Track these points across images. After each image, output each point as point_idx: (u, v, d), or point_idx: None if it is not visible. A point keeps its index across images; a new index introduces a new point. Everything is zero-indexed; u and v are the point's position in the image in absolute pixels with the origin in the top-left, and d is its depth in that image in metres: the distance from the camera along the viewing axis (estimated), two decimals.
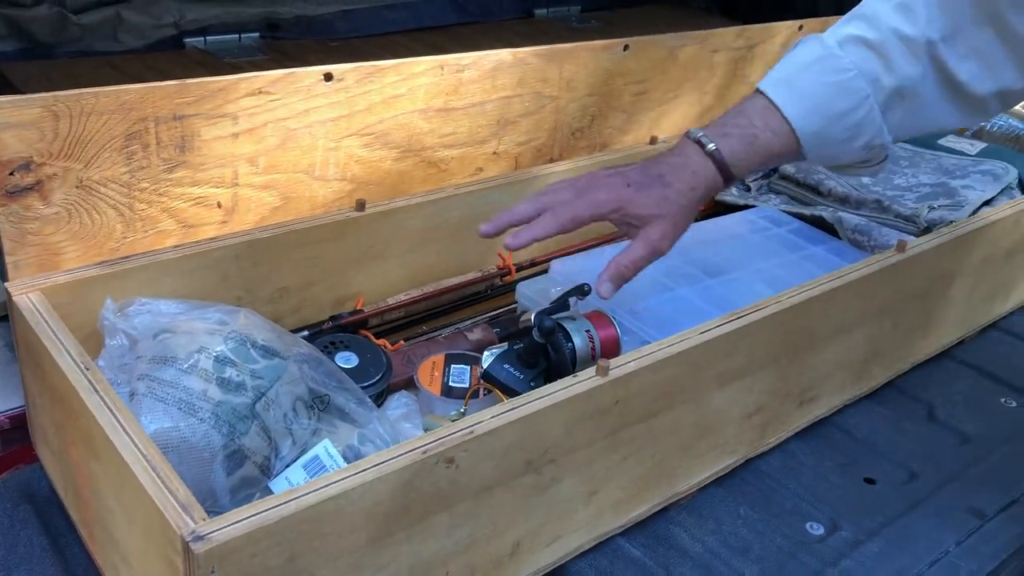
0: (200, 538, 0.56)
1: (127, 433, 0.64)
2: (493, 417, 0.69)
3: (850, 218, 1.21)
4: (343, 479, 0.62)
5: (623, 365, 0.77)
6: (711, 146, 0.86)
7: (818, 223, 1.24)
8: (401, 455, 0.64)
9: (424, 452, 0.65)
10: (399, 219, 1.03)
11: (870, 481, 0.98)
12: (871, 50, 0.86)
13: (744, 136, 0.87)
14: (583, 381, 0.74)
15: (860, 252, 1.19)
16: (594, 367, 0.75)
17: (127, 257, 0.87)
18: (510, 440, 0.70)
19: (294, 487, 0.61)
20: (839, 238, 1.22)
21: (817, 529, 0.91)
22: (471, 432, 0.67)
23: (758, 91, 0.88)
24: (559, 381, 0.74)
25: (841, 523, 0.91)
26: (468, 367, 0.98)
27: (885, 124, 0.87)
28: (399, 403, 0.95)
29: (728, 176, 0.87)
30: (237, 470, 0.74)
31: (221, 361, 0.76)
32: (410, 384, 0.98)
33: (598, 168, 0.92)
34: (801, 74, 0.88)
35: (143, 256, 0.88)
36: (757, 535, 0.89)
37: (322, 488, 0.61)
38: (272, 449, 0.76)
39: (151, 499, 0.59)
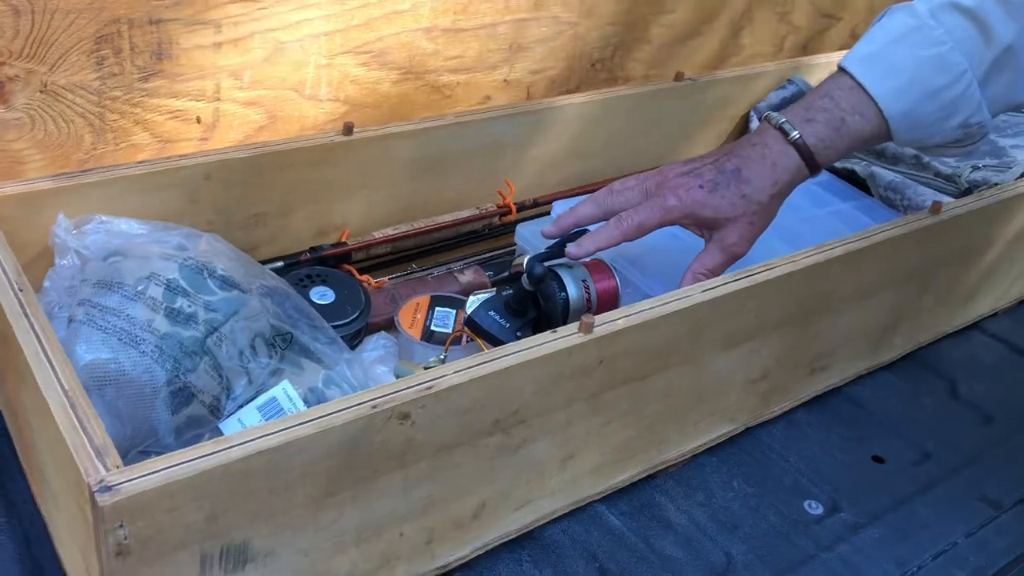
0: (108, 488, 0.50)
1: (51, 364, 0.59)
2: (456, 372, 0.62)
3: (884, 174, 1.11)
4: (279, 431, 0.55)
5: (610, 322, 0.69)
6: (795, 134, 0.79)
7: (849, 177, 1.15)
8: (347, 408, 0.58)
9: (374, 407, 0.58)
10: (392, 146, 0.96)
11: (879, 460, 0.91)
12: (968, 17, 0.77)
13: (830, 121, 0.79)
14: (563, 337, 0.67)
15: (891, 211, 1.10)
16: (576, 323, 0.68)
17: (86, 171, 0.80)
18: (474, 397, 0.63)
19: (234, 434, 0.55)
20: (870, 194, 1.13)
21: (815, 508, 0.84)
22: (429, 387, 0.61)
23: (842, 69, 0.80)
24: (536, 336, 0.67)
25: (842, 503, 0.85)
26: (453, 311, 0.91)
27: (984, 99, 0.78)
28: (376, 344, 0.88)
29: (814, 166, 0.79)
30: (183, 408, 0.68)
31: (172, 290, 0.70)
32: (391, 325, 0.91)
33: (615, 99, 0.84)
34: (890, 49, 0.79)
35: (105, 170, 0.81)
36: (749, 511, 0.82)
37: (253, 440, 0.55)
38: (223, 388, 0.70)
39: (64, 441, 0.54)
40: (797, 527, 0.81)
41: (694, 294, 0.74)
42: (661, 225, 0.80)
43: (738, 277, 0.77)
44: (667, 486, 0.84)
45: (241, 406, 0.72)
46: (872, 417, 0.96)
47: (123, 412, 0.66)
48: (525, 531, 0.76)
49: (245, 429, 0.55)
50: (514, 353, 0.65)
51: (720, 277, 0.77)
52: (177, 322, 0.69)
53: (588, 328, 0.68)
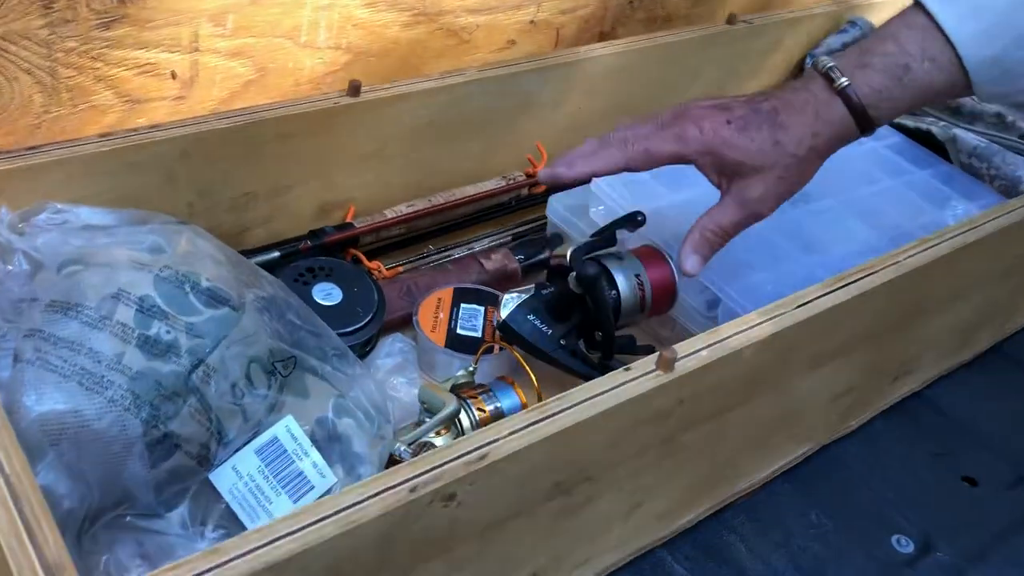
0: None
1: None
2: (513, 435, 0.49)
3: (968, 138, 0.97)
4: (291, 535, 0.42)
5: (693, 355, 0.56)
6: (842, 81, 0.63)
7: (925, 140, 1.00)
8: (379, 495, 0.45)
9: (412, 490, 0.45)
10: (404, 108, 0.80)
11: (970, 481, 0.79)
12: None
13: (891, 67, 0.63)
14: (639, 379, 0.53)
15: (976, 182, 0.96)
16: (655, 360, 0.54)
17: (36, 148, 0.65)
18: (535, 463, 0.50)
19: (231, 542, 0.42)
20: (950, 161, 0.99)
21: (906, 546, 0.72)
22: (482, 458, 0.47)
23: (917, 4, 0.64)
24: (607, 378, 0.53)
25: (935, 539, 0.73)
26: (482, 309, 0.78)
27: None
28: (391, 350, 0.75)
29: (866, 122, 0.64)
30: (163, 462, 0.55)
31: (146, 311, 0.55)
32: (407, 323, 0.77)
33: (658, 47, 0.69)
34: None
35: (59, 147, 0.66)
36: (833, 552, 0.71)
37: (258, 549, 0.41)
38: (213, 433, 0.56)
39: (2, 551, 0.40)
40: (889, 573, 0.70)
41: (788, 311, 0.60)
42: (674, 158, 0.66)
43: (833, 287, 0.64)
44: (737, 522, 0.71)
45: (237, 450, 0.58)
46: (957, 426, 0.84)
47: (87, 473, 0.52)
48: None
49: (245, 535, 0.42)
50: (582, 403, 0.51)
51: (815, 289, 0.63)
52: (153, 355, 0.54)
53: (669, 365, 0.54)
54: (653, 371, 0.54)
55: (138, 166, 0.68)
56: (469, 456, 0.47)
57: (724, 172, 0.66)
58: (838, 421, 0.77)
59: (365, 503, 0.44)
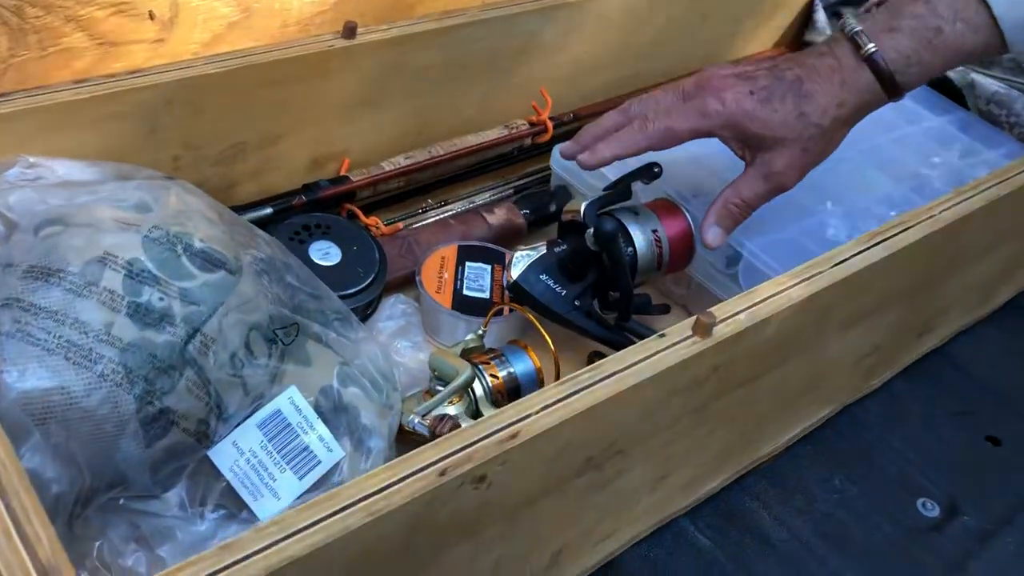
0: None
1: None
2: (546, 410, 0.45)
3: (987, 84, 0.93)
4: (314, 525, 0.38)
5: (731, 318, 0.52)
6: (869, 47, 0.61)
7: (942, 85, 0.96)
8: (407, 478, 0.40)
9: (442, 473, 0.41)
10: (402, 51, 0.75)
11: (993, 441, 0.77)
12: None
13: (920, 31, 0.61)
14: (675, 346, 0.50)
15: (994, 129, 0.92)
16: (691, 325, 0.51)
17: (3, 96, 0.59)
18: (568, 439, 0.46)
19: (246, 535, 0.38)
20: (967, 107, 0.95)
21: (932, 510, 0.70)
22: (513, 436, 0.43)
23: None
24: (641, 345, 0.49)
25: (961, 502, 0.70)
26: (488, 267, 0.73)
27: None
28: (394, 311, 0.70)
29: (894, 88, 0.62)
30: (159, 440, 0.50)
31: (136, 276, 0.50)
32: (408, 283, 0.73)
33: None
34: None
35: (28, 95, 0.60)
36: (858, 518, 0.68)
37: (278, 544, 0.37)
38: (212, 408, 0.52)
39: None
40: (915, 538, 0.67)
41: (825, 271, 0.57)
42: (696, 134, 0.64)
43: (871, 243, 0.60)
44: (759, 488, 0.69)
45: (238, 425, 0.54)
46: (978, 384, 0.81)
47: (77, 454, 0.48)
48: (601, 564, 0.60)
49: (260, 528, 0.38)
50: (618, 374, 0.47)
51: (851, 247, 0.59)
52: (146, 324, 0.50)
53: (707, 331, 0.50)
54: (690, 337, 0.50)
55: (118, 115, 0.62)
56: (500, 434, 0.43)
57: (748, 144, 0.64)
58: (861, 381, 0.74)
59: (391, 488, 0.40)
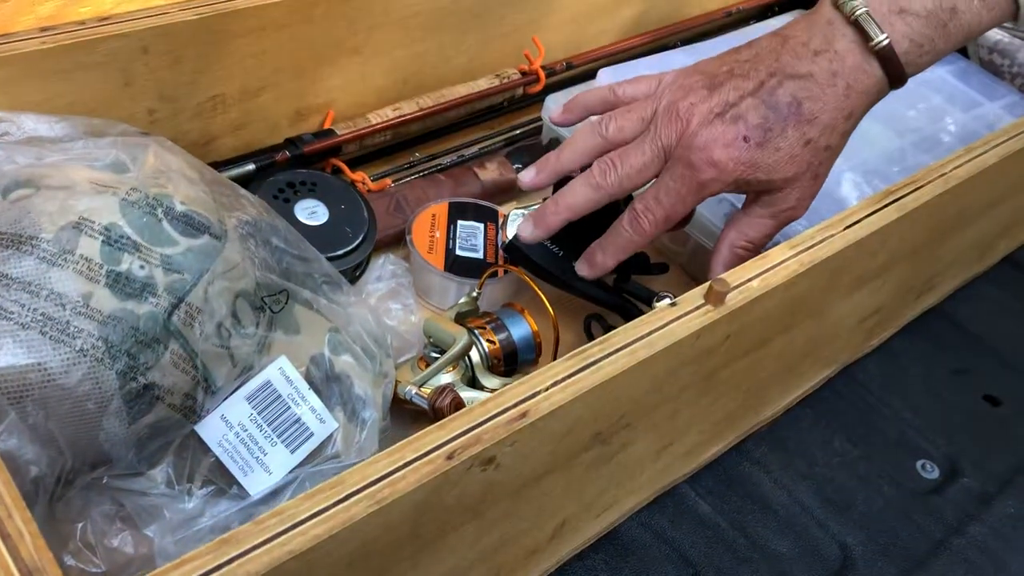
0: None
1: None
2: (556, 386, 0.43)
3: (989, 33, 0.91)
4: (317, 515, 0.36)
5: (745, 284, 0.50)
6: (880, 39, 0.53)
7: None
8: (413, 463, 0.38)
9: (450, 457, 0.39)
10: None
11: (992, 401, 0.76)
12: None
13: (936, 13, 0.53)
14: (688, 315, 0.47)
15: (994, 80, 0.90)
16: (703, 293, 0.48)
17: None
18: (578, 415, 0.44)
19: (248, 527, 0.36)
20: (967, 57, 0.93)
21: (932, 472, 0.69)
22: (523, 415, 0.41)
23: None
24: (650, 319, 0.47)
25: (961, 464, 0.70)
26: (481, 226, 0.70)
27: None
28: (383, 272, 0.67)
29: (899, 79, 0.55)
30: (142, 417, 0.47)
31: (115, 243, 0.47)
32: (398, 241, 0.70)
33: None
34: None
35: None
36: (859, 481, 0.67)
37: (282, 535, 0.35)
38: (198, 381, 0.49)
39: None
40: (916, 501, 0.67)
41: (837, 233, 0.54)
42: (695, 206, 0.57)
43: (883, 203, 0.58)
44: (759, 452, 0.67)
45: (226, 398, 0.51)
46: (974, 341, 0.80)
47: (57, 434, 0.45)
48: (602, 534, 0.59)
49: (260, 521, 0.35)
50: (629, 346, 0.45)
51: (862, 207, 0.57)
52: (127, 295, 0.47)
53: (720, 299, 0.48)
54: (702, 306, 0.48)
55: (89, 66, 0.58)
56: (510, 413, 0.41)
57: (751, 189, 0.56)
58: (862, 341, 0.73)
59: (397, 475, 0.38)
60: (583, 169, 0.60)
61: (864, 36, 0.53)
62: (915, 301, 0.76)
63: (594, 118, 0.61)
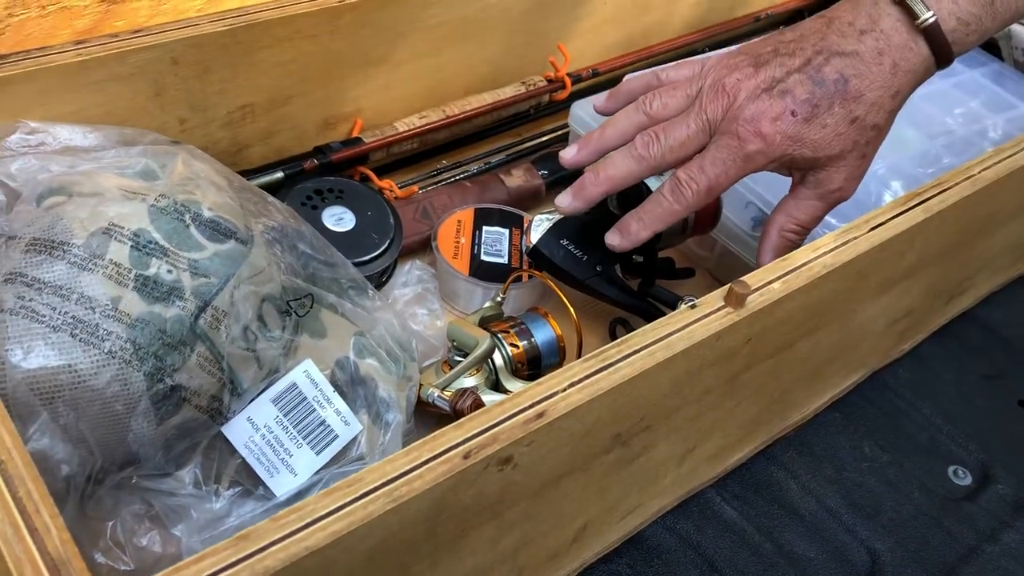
0: None
1: None
2: (574, 387, 0.43)
3: (1022, 33, 0.89)
4: (334, 513, 0.36)
5: (765, 287, 0.50)
6: (927, 16, 0.53)
7: None
8: (429, 462, 0.39)
9: (466, 456, 0.39)
10: (415, 6, 0.72)
11: None
12: None
13: None
14: (708, 317, 0.47)
15: None
16: (723, 295, 0.48)
17: (2, 58, 0.56)
18: (597, 416, 0.44)
19: (263, 525, 0.37)
20: (1000, 58, 0.92)
21: (964, 478, 0.68)
22: (540, 415, 0.41)
23: None
24: (670, 320, 0.47)
25: (994, 469, 0.69)
26: (506, 232, 0.71)
27: None
28: (409, 278, 0.68)
29: (946, 58, 0.55)
30: (170, 418, 0.49)
31: (143, 248, 0.48)
32: (424, 247, 0.71)
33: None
34: None
35: (28, 56, 0.57)
36: (888, 487, 0.66)
37: (297, 533, 0.36)
38: (225, 383, 0.50)
39: None
40: (947, 507, 0.66)
41: (861, 235, 0.54)
42: (739, 179, 0.56)
43: (909, 205, 0.57)
44: (786, 457, 0.67)
45: (252, 400, 0.52)
46: (1007, 345, 0.79)
47: (87, 434, 0.46)
48: (626, 538, 0.59)
49: (277, 518, 0.36)
50: (648, 348, 0.45)
51: (888, 209, 0.57)
52: (154, 298, 0.48)
53: (740, 301, 0.48)
54: (722, 308, 0.48)
55: (121, 77, 0.60)
56: (527, 414, 0.41)
57: (796, 167, 0.56)
58: (891, 346, 0.72)
59: (414, 473, 0.38)
60: None
61: (910, 14, 0.53)
62: (946, 305, 0.75)
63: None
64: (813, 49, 0.55)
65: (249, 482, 0.52)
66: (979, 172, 0.61)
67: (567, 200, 0.59)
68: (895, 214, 0.56)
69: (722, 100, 0.55)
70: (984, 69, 0.89)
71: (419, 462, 0.39)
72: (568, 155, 0.61)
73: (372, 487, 0.37)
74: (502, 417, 0.41)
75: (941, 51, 0.54)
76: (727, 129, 0.54)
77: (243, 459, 0.52)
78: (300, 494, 0.52)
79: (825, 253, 0.52)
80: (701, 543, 0.61)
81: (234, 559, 0.34)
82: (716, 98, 0.55)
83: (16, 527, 0.35)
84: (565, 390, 0.42)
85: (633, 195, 0.61)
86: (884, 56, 0.54)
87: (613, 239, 0.59)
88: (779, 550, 0.61)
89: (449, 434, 0.40)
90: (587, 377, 0.43)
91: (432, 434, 0.40)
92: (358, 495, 0.37)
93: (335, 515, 0.36)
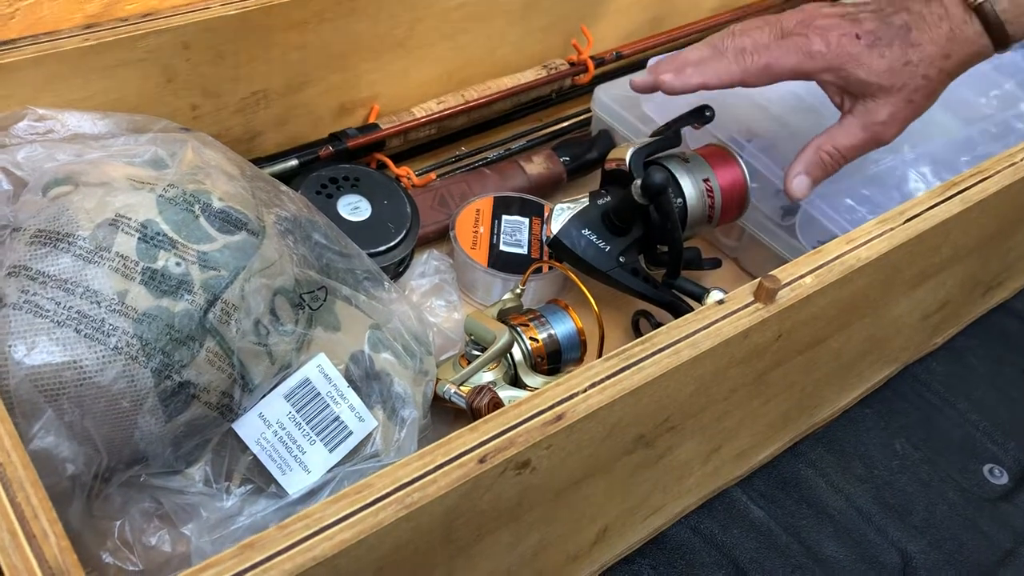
0: None
1: None
2: (595, 388, 0.41)
3: None
4: (343, 520, 0.35)
5: (796, 280, 0.47)
6: None
7: None
8: (444, 467, 0.37)
9: (482, 460, 0.38)
10: None
11: None
12: None
13: None
14: (736, 313, 0.45)
15: None
16: (752, 290, 0.46)
17: (10, 43, 0.55)
18: (619, 417, 0.42)
19: (271, 532, 0.35)
20: None
21: (1000, 477, 0.66)
22: (559, 418, 0.40)
23: None
24: (695, 317, 0.45)
25: None
26: (526, 221, 0.69)
27: None
28: (427, 268, 0.66)
29: (1003, 40, 0.57)
30: (179, 415, 0.47)
31: (151, 240, 0.47)
32: (442, 236, 0.69)
33: None
34: None
35: (37, 41, 0.56)
36: (921, 486, 0.64)
37: (306, 541, 0.34)
38: (235, 380, 0.49)
39: None
40: (983, 508, 0.63)
41: (897, 226, 0.52)
42: (797, 74, 0.60)
43: (947, 195, 0.55)
44: (815, 454, 0.65)
45: (263, 396, 0.51)
46: None
47: (93, 432, 0.45)
48: (648, 539, 0.57)
49: (284, 526, 0.35)
50: (673, 346, 0.43)
51: (925, 199, 0.54)
52: (162, 292, 0.46)
53: (770, 296, 0.46)
54: (751, 303, 0.46)
55: (132, 63, 0.58)
56: (544, 416, 0.39)
57: (849, 90, 0.59)
58: (926, 339, 0.70)
59: (427, 478, 0.37)
60: None
61: None
62: (982, 297, 0.73)
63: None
64: (886, 4, 0.59)
65: (261, 480, 0.51)
66: (1021, 159, 0.58)
67: (669, 77, 0.61)
68: (932, 204, 0.54)
69: (799, 15, 0.60)
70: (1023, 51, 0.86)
71: (432, 467, 0.37)
72: (638, 78, 0.64)
73: (383, 493, 0.36)
74: (519, 420, 0.39)
75: (995, 31, 0.56)
76: (799, 31, 0.59)
77: (255, 456, 0.51)
78: (313, 492, 0.51)
79: (859, 246, 0.50)
80: (726, 543, 0.59)
81: (238, 569, 0.33)
82: (794, 15, 0.60)
83: (14, 533, 0.33)
84: (586, 391, 0.41)
85: (661, 191, 0.59)
86: (943, 22, 0.57)
87: (666, 76, 0.61)
88: (807, 551, 0.59)
89: (464, 437, 0.38)
90: (609, 377, 0.41)
91: (446, 437, 0.38)
92: (368, 502, 0.35)
93: (344, 523, 0.35)
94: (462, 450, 0.38)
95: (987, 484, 0.65)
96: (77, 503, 0.45)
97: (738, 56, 0.59)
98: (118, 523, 0.48)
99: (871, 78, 0.58)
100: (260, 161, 0.65)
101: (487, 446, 0.38)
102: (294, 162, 0.66)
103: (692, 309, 0.50)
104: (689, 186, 0.64)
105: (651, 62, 0.74)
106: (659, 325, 0.46)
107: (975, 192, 0.55)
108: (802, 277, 0.48)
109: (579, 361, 0.61)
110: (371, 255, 0.61)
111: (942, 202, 0.54)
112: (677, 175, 0.63)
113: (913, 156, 0.72)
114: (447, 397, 0.55)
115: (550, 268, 0.65)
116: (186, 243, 0.48)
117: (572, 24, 0.79)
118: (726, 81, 0.60)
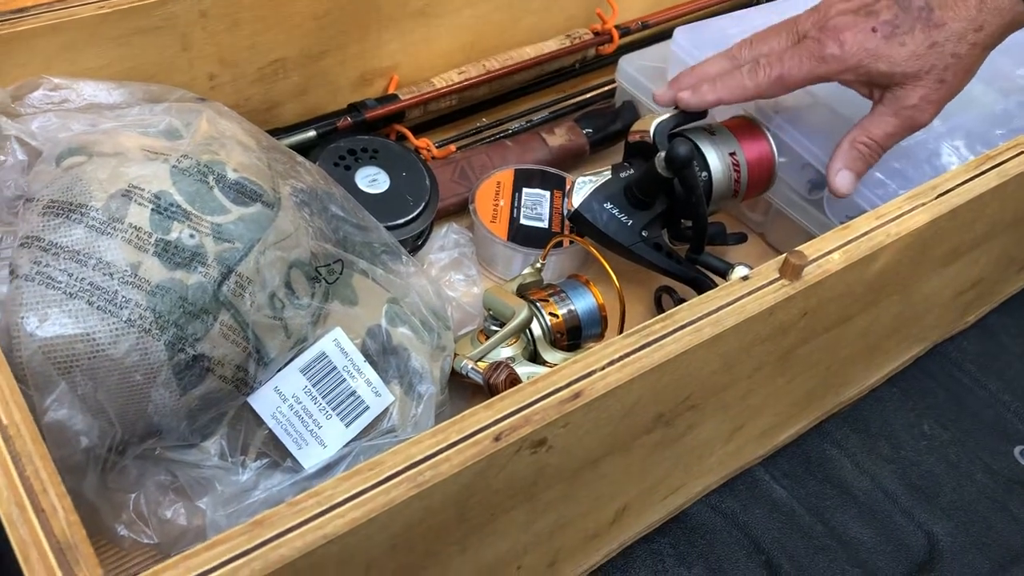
0: None
1: None
2: (613, 365, 0.40)
3: None
4: (355, 498, 0.34)
5: (824, 256, 0.46)
6: None
7: None
8: (458, 445, 0.36)
9: (497, 438, 0.37)
10: None
11: None
12: None
13: None
14: (761, 290, 0.44)
15: None
16: (778, 266, 0.45)
17: (24, 11, 0.54)
18: (638, 395, 0.41)
19: (280, 508, 0.35)
20: None
21: None
22: (576, 396, 0.39)
23: None
24: (719, 294, 0.44)
25: None
26: (547, 194, 0.68)
27: None
28: (446, 242, 0.65)
29: None
30: (194, 388, 0.47)
31: (164, 211, 0.46)
32: (462, 209, 0.68)
33: None
34: None
35: (51, 9, 0.55)
36: (949, 467, 0.63)
37: (317, 518, 0.34)
38: (250, 353, 0.48)
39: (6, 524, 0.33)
40: (1013, 491, 0.62)
41: (928, 202, 0.50)
42: (811, 80, 0.59)
43: (980, 169, 0.53)
44: (840, 434, 0.63)
45: (280, 369, 0.50)
46: None
47: (106, 405, 0.44)
48: (668, 518, 0.56)
49: (294, 503, 0.34)
50: (694, 323, 0.42)
51: (958, 173, 0.52)
52: (176, 264, 0.46)
53: (796, 273, 0.45)
54: (777, 280, 0.45)
55: (148, 31, 0.57)
56: (561, 394, 0.38)
57: (875, 84, 0.58)
58: (957, 318, 0.68)
59: (440, 456, 0.36)
60: None
61: None
62: (1017, 274, 0.71)
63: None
64: None
65: (276, 454, 0.51)
66: None
67: (687, 95, 0.61)
68: (965, 179, 0.52)
69: (815, 16, 0.59)
70: None
71: (446, 444, 0.36)
72: (661, 92, 0.63)
73: (395, 471, 0.35)
74: (536, 397, 0.38)
75: None
76: (813, 35, 0.58)
77: (270, 430, 0.50)
78: (329, 467, 0.50)
79: (888, 221, 0.49)
80: (748, 523, 0.58)
81: (247, 547, 0.32)
82: (810, 15, 0.60)
83: (22, 507, 0.33)
84: (604, 368, 0.40)
85: (686, 164, 0.57)
86: None
87: (684, 94, 0.61)
88: (830, 532, 0.58)
89: (478, 415, 0.37)
90: (629, 354, 0.40)
91: (460, 415, 0.37)
92: (380, 479, 0.35)
93: (354, 501, 0.34)
94: (476, 428, 0.37)
95: (1018, 466, 0.64)
96: (92, 475, 0.45)
97: (752, 71, 0.59)
98: (133, 496, 0.48)
99: (894, 68, 0.56)
100: (278, 131, 0.64)
101: (502, 424, 0.37)
102: (312, 133, 0.65)
103: (716, 285, 0.48)
104: (715, 159, 0.62)
105: (676, 40, 0.73)
106: (682, 301, 0.45)
107: (1012, 166, 0.53)
108: (829, 253, 0.46)
109: (600, 337, 0.60)
110: (389, 228, 0.60)
111: (977, 176, 0.52)
112: (702, 148, 0.62)
113: (945, 129, 0.69)
114: (464, 373, 0.54)
115: (571, 242, 0.63)
116: (200, 214, 0.47)
117: None
118: (740, 97, 0.60)
